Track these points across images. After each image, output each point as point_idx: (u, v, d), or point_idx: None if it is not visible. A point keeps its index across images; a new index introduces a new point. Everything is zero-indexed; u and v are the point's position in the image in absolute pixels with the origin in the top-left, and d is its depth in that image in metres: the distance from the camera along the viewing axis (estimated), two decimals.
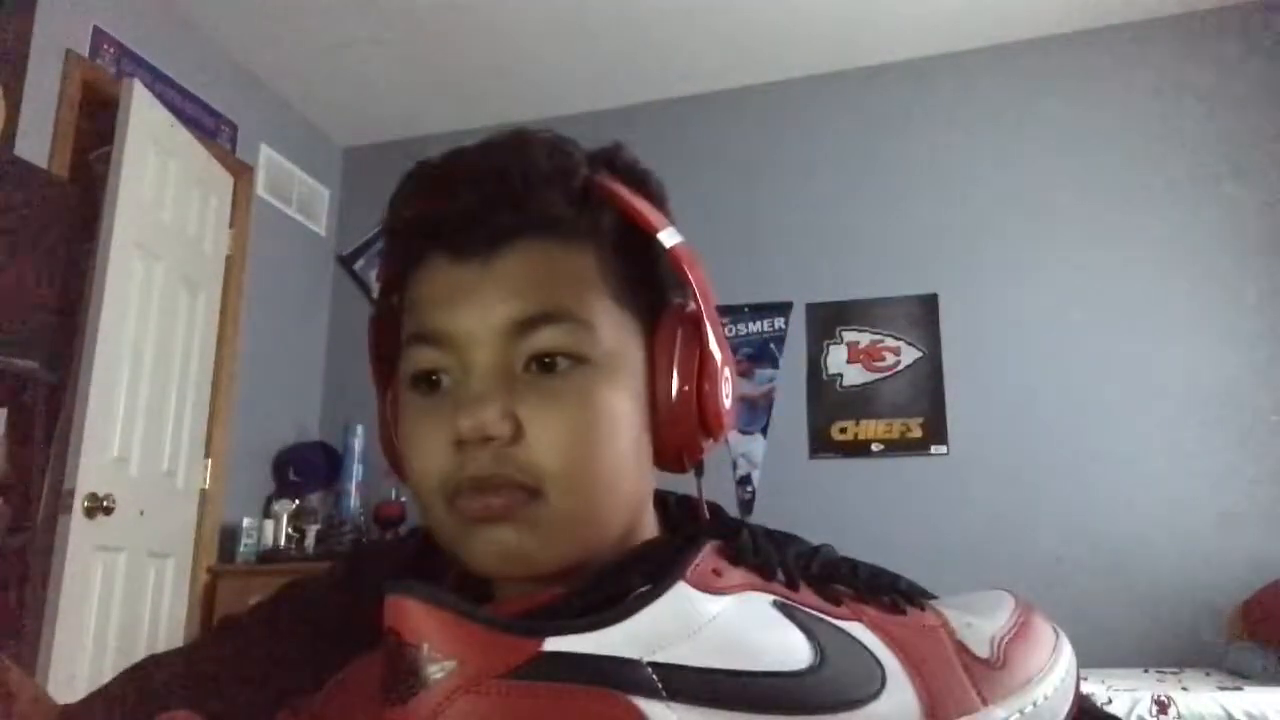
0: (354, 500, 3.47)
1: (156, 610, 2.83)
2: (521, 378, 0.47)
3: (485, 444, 0.45)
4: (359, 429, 3.54)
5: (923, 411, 3.20)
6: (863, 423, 3.25)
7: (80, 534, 2.42)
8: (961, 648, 0.37)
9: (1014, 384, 3.10)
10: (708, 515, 0.55)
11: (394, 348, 0.52)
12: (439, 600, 0.30)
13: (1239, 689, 2.17)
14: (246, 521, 3.24)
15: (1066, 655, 0.40)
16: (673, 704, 0.30)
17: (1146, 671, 2.56)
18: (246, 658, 0.55)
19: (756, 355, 3.38)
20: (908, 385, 3.24)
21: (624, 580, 0.35)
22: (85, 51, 2.82)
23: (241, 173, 3.45)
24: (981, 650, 0.37)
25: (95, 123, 2.80)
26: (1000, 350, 3.15)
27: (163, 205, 2.91)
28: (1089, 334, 3.07)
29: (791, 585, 0.37)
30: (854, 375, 3.30)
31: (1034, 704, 0.36)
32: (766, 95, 3.62)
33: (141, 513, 2.72)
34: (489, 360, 0.47)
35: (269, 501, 3.42)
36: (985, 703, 0.35)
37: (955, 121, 3.38)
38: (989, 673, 0.37)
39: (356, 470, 3.50)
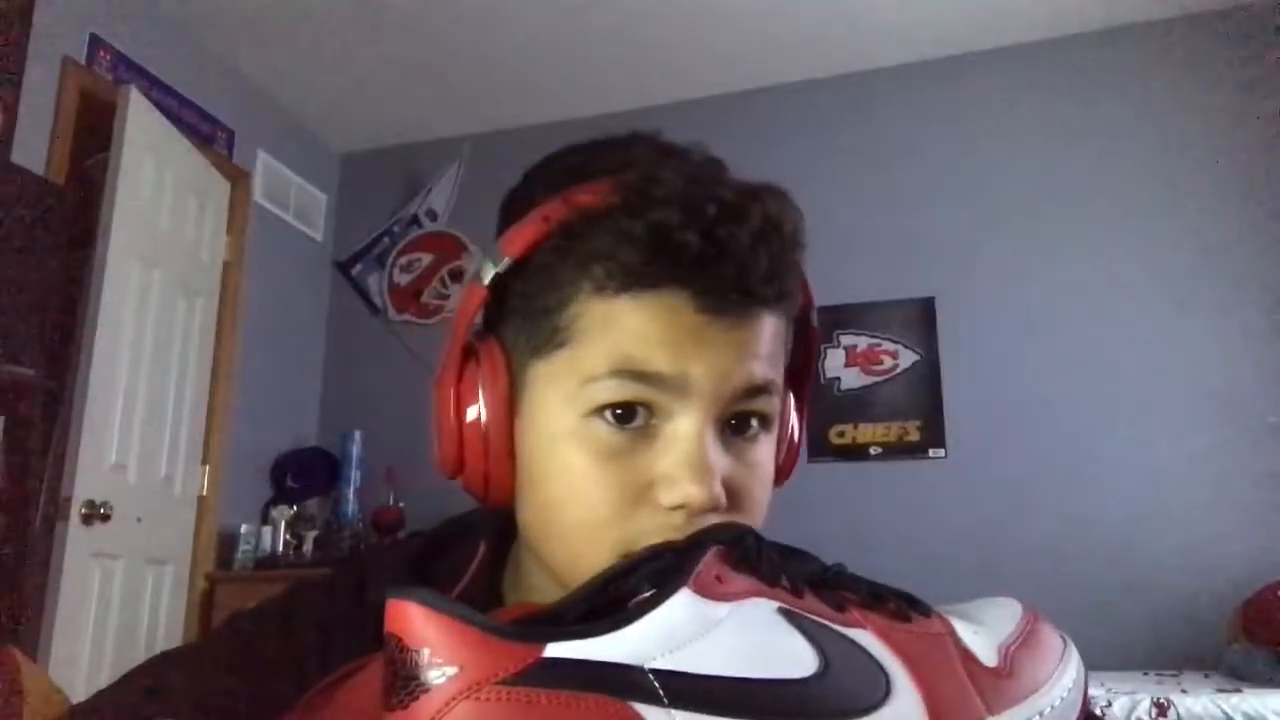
0: (352, 506, 3.46)
1: (154, 617, 2.83)
2: (722, 437, 0.48)
3: (704, 512, 0.45)
4: (357, 435, 3.53)
5: (920, 415, 3.20)
6: (861, 426, 3.25)
7: (78, 541, 2.42)
8: (968, 656, 0.37)
9: (1012, 387, 3.10)
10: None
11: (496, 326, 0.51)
12: (441, 606, 0.30)
13: (1238, 691, 2.17)
14: (244, 528, 3.24)
15: (1074, 664, 0.40)
16: (674, 711, 0.30)
17: (1146, 674, 2.56)
18: (254, 660, 0.54)
19: None
20: (905, 388, 3.24)
21: (627, 585, 0.35)
22: (82, 58, 2.82)
23: (239, 179, 3.45)
24: (989, 658, 0.37)
25: (92, 129, 2.79)
26: (998, 353, 3.15)
27: (160, 212, 2.91)
28: (1087, 336, 3.07)
29: (796, 592, 0.37)
30: (852, 379, 3.30)
31: (1040, 714, 0.36)
32: (763, 100, 3.63)
33: (139, 520, 2.71)
34: (710, 418, 0.46)
35: (267, 508, 3.42)
36: (991, 711, 0.35)
37: (952, 125, 3.39)
38: (996, 681, 0.36)
39: (354, 476, 3.50)
